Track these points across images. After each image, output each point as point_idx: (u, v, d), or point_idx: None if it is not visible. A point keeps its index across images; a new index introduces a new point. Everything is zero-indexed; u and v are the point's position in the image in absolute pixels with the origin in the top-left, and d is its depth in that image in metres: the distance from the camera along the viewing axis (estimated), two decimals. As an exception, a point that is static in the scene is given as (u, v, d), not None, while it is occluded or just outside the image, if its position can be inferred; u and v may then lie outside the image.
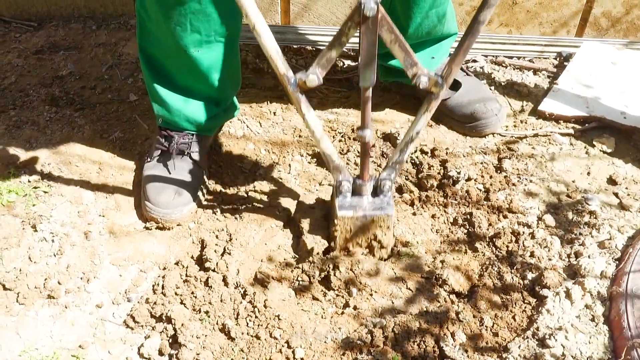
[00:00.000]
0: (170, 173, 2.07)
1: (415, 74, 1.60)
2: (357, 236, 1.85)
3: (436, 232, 1.96)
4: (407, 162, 2.16)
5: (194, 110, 2.07)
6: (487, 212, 1.97)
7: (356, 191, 1.81)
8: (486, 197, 2.01)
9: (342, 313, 1.78)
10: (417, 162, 2.13)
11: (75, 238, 1.97)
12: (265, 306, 1.77)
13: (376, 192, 1.81)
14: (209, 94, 2.07)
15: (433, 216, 1.99)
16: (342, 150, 2.19)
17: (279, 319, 1.74)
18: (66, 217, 2.03)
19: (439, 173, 2.09)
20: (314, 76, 1.60)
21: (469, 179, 2.04)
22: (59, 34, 2.78)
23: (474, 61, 2.61)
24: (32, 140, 2.28)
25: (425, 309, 1.75)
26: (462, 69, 2.35)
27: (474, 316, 1.72)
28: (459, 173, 2.05)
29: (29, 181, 2.15)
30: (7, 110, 2.39)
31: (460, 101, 2.27)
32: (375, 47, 1.52)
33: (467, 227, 1.95)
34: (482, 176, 2.06)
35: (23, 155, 2.22)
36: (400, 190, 2.08)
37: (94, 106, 2.41)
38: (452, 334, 1.67)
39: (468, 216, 1.96)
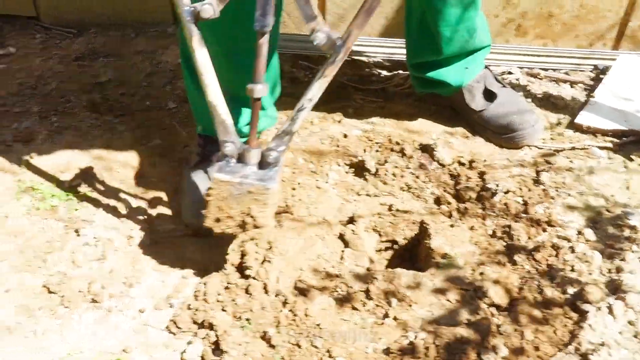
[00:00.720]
0: (210, 180, 2.09)
1: (313, 28, 1.54)
2: (230, 207, 1.70)
3: (475, 244, 1.97)
4: (443, 168, 2.16)
5: (234, 116, 2.09)
6: (526, 225, 1.97)
7: (241, 158, 1.70)
8: (525, 210, 2.01)
9: (382, 323, 1.79)
10: (455, 174, 2.14)
11: (117, 243, 2.00)
12: (306, 315, 1.79)
13: (262, 163, 1.71)
14: (248, 99, 2.08)
15: (471, 228, 2.00)
16: (380, 161, 2.20)
17: (320, 328, 1.76)
18: (108, 222, 2.06)
19: (477, 185, 2.10)
20: (209, 6, 1.56)
21: (507, 192, 2.05)
22: (98, 41, 2.82)
23: (510, 73, 2.62)
24: (73, 145, 2.31)
25: (466, 321, 1.76)
26: (498, 80, 2.36)
27: (515, 330, 1.73)
28: (497, 185, 2.06)
29: (71, 186, 2.18)
30: (49, 116, 2.43)
31: (497, 112, 2.28)
32: None
33: (506, 239, 1.96)
34: (520, 189, 2.07)
35: (65, 160, 2.26)
36: (438, 201, 2.09)
37: (133, 113, 2.45)
38: (494, 347, 1.68)
39: (507, 229, 1.97)
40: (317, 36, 1.54)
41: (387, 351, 1.72)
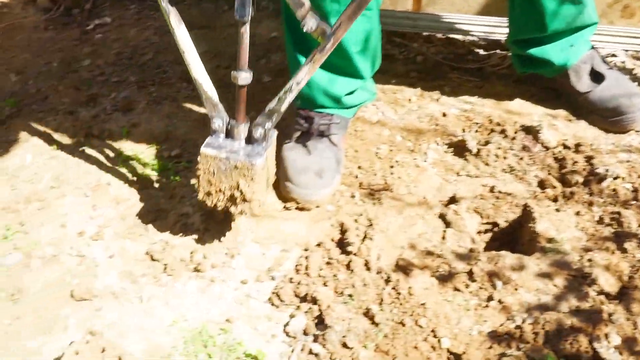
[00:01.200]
0: (310, 154, 2.08)
1: (303, 15, 1.56)
2: (220, 181, 1.75)
3: (581, 229, 1.91)
4: (547, 150, 2.10)
5: (333, 84, 2.08)
6: (637, 213, 1.91)
7: (229, 133, 1.75)
8: (635, 197, 1.95)
9: (487, 306, 1.76)
10: (560, 157, 2.08)
11: (217, 214, 2.00)
12: (409, 293, 1.77)
13: (249, 139, 1.75)
14: (348, 69, 2.06)
15: (577, 213, 1.95)
16: (480, 142, 2.16)
17: (425, 307, 1.74)
18: (208, 193, 2.07)
19: (584, 169, 2.04)
20: None
21: (616, 177, 1.99)
22: (191, 13, 2.83)
23: (614, 55, 2.54)
24: (171, 116, 2.33)
25: (575, 308, 1.72)
26: (604, 61, 2.28)
27: (627, 319, 1.68)
28: (607, 170, 2.00)
29: (170, 156, 2.20)
30: (147, 86, 2.45)
31: (603, 95, 2.21)
32: None
33: (615, 226, 1.90)
34: (630, 175, 2.01)
35: (164, 130, 2.28)
36: (542, 184, 2.04)
37: (228, 85, 2.42)
38: (606, 336, 1.63)
39: (616, 215, 1.91)
40: (307, 22, 1.56)
41: (493, 334, 1.69)
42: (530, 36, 2.21)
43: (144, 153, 2.19)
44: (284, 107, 1.74)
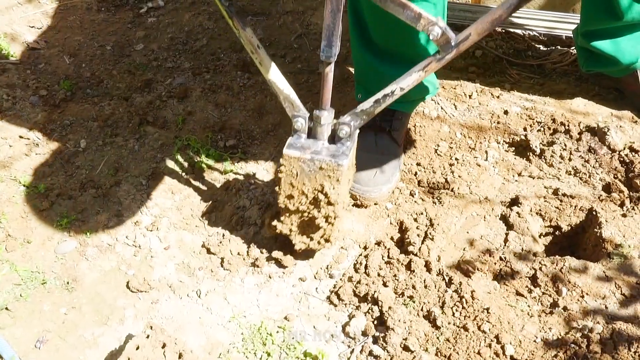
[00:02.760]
0: (369, 150, 2.04)
1: (425, 25, 1.47)
2: (302, 183, 1.66)
3: (649, 236, 1.86)
4: (613, 153, 2.04)
5: (397, 74, 2.02)
6: None
7: (311, 132, 1.65)
8: None
9: (551, 312, 1.72)
10: (627, 161, 2.02)
11: (275, 208, 1.97)
12: (472, 297, 1.73)
13: (334, 138, 1.65)
14: (412, 58, 2.01)
15: (645, 219, 1.89)
16: (543, 142, 2.10)
17: (488, 312, 1.70)
18: (265, 186, 2.04)
19: (652, 174, 1.98)
20: None
21: (686, 184, 1.93)
22: (246, -1, 2.79)
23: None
24: (227, 105, 2.30)
25: (645, 319, 1.67)
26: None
27: (701, 332, 1.63)
28: (677, 176, 1.94)
29: (226, 146, 2.17)
30: (201, 73, 2.42)
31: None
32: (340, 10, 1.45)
33: (685, 234, 1.84)
34: (701, 181, 1.95)
35: (219, 119, 2.25)
36: (608, 188, 1.99)
37: (284, 75, 2.39)
38: (680, 349, 1.59)
39: (686, 223, 1.86)
40: (433, 29, 1.48)
41: (558, 342, 1.65)
42: (601, 26, 2.12)
43: (199, 142, 2.16)
44: (378, 110, 1.65)
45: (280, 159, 1.66)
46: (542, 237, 1.97)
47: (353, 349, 1.69)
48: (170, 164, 2.12)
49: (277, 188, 1.69)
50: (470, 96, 2.28)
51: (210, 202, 2.01)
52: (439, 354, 1.66)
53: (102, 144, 2.18)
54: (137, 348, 1.56)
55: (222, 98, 2.32)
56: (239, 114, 2.27)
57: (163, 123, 2.24)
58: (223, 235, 1.92)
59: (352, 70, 2.33)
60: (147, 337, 1.58)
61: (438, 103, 2.25)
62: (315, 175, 1.64)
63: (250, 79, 2.39)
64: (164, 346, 1.57)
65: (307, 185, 1.66)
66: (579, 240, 1.96)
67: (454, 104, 2.25)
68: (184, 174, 2.09)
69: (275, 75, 1.67)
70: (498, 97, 2.28)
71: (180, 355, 1.57)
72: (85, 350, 1.70)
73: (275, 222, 1.76)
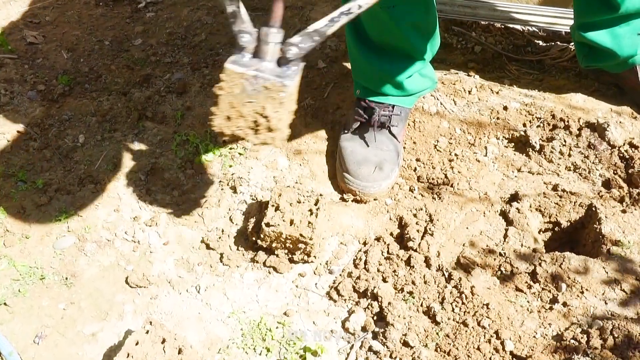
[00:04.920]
0: (369, 146, 2.04)
1: None
2: (243, 104, 1.50)
3: (649, 232, 1.86)
4: (613, 149, 2.04)
5: (392, 67, 2.02)
6: None
7: (258, 52, 1.50)
8: None
9: (551, 308, 1.72)
10: (627, 157, 2.02)
11: (274, 203, 1.97)
12: (472, 293, 1.73)
13: (279, 62, 1.50)
14: (406, 49, 2.00)
15: (644, 215, 1.89)
16: (543, 138, 2.10)
17: (488, 308, 1.70)
18: (263, 181, 2.04)
19: (652, 170, 1.98)
20: None
21: (686, 179, 1.93)
22: (244, -6, 2.77)
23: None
24: (226, 100, 2.29)
25: (645, 315, 1.67)
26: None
27: (701, 328, 1.63)
28: (677, 172, 1.94)
29: (225, 141, 2.16)
30: (200, 68, 2.41)
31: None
32: None
33: (685, 230, 1.84)
34: (701, 178, 1.94)
35: (218, 114, 2.24)
36: (607, 184, 1.98)
37: (283, 70, 2.40)
38: (679, 345, 1.59)
39: (686, 219, 1.86)
40: None
41: (558, 338, 1.65)
42: (598, 18, 2.09)
43: (198, 138, 2.15)
44: (332, 30, 1.51)
45: (220, 75, 1.50)
46: (541, 233, 1.96)
47: (353, 345, 1.69)
48: (169, 159, 2.11)
49: (213, 108, 1.53)
50: (469, 92, 2.28)
51: (210, 197, 2.01)
52: (438, 349, 1.66)
53: (101, 139, 2.18)
54: (137, 343, 1.56)
55: (221, 93, 2.31)
56: (238, 109, 2.26)
57: (162, 118, 2.23)
58: (222, 230, 1.92)
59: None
60: (147, 332, 1.58)
61: (437, 99, 2.25)
62: (258, 96, 1.48)
63: (249, 75, 2.38)
64: (163, 341, 1.57)
65: (247, 106, 1.50)
66: (578, 236, 1.95)
67: (454, 100, 2.25)
68: (183, 169, 2.08)
69: None
70: (497, 92, 2.27)
71: (179, 351, 1.56)
72: (84, 346, 1.69)
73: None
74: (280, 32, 1.51)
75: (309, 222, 1.80)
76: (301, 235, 1.78)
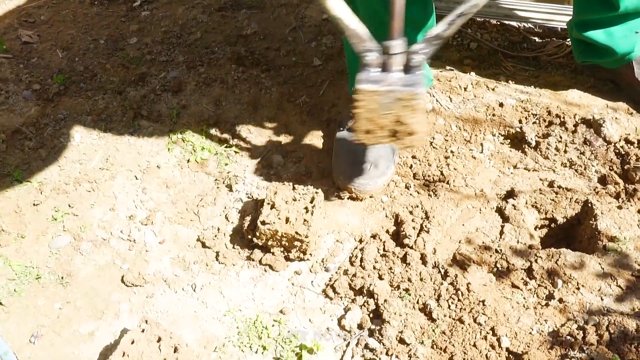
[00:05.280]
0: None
1: None
2: (380, 117, 1.61)
3: (644, 228, 1.86)
4: (608, 145, 2.04)
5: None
6: None
7: (384, 65, 1.60)
8: (701, 195, 1.89)
9: (547, 305, 1.72)
10: (623, 153, 2.02)
11: (269, 201, 1.97)
12: (468, 290, 1.73)
13: (407, 68, 1.60)
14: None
15: (640, 211, 1.89)
16: (539, 134, 2.10)
17: (484, 305, 1.70)
18: (259, 179, 2.04)
19: (648, 166, 1.98)
20: None
21: (682, 175, 1.93)
22: (240, -8, 2.78)
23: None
24: (221, 98, 2.29)
25: (640, 310, 1.67)
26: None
27: (697, 324, 1.63)
28: (672, 168, 1.93)
29: (220, 140, 2.16)
30: (195, 66, 2.40)
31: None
32: None
33: (681, 226, 1.84)
34: (697, 173, 1.94)
35: (214, 113, 2.24)
36: (603, 180, 1.98)
37: (279, 68, 2.40)
38: (675, 341, 1.59)
39: (682, 215, 1.85)
40: None
41: (554, 334, 1.65)
42: (597, 16, 2.09)
43: (194, 136, 2.15)
44: (450, 32, 1.59)
45: (355, 95, 1.61)
46: (537, 229, 1.96)
47: (349, 342, 1.69)
48: (165, 157, 2.11)
49: (354, 125, 1.67)
50: (465, 88, 2.28)
51: (205, 195, 2.01)
52: (434, 346, 1.66)
53: (97, 138, 2.18)
54: (132, 342, 1.55)
55: (216, 91, 2.31)
56: (234, 107, 2.26)
57: (157, 117, 2.23)
58: (218, 229, 1.92)
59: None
60: (143, 331, 1.58)
61: (433, 95, 2.24)
62: (393, 107, 1.59)
63: (244, 73, 2.38)
64: (159, 340, 1.57)
65: (385, 118, 1.61)
66: (574, 233, 1.95)
67: (449, 97, 2.25)
68: (178, 167, 2.08)
69: (341, 13, 1.58)
70: (493, 89, 2.27)
71: (175, 349, 1.56)
72: (80, 345, 1.69)
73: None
74: (402, 42, 1.58)
75: (305, 220, 1.80)
76: (297, 233, 1.78)
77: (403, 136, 1.63)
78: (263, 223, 1.79)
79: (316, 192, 1.88)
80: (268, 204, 1.83)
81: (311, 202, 1.84)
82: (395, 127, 1.62)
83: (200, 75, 2.37)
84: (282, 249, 1.83)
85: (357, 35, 1.59)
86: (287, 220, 1.80)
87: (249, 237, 1.85)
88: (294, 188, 1.89)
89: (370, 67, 1.60)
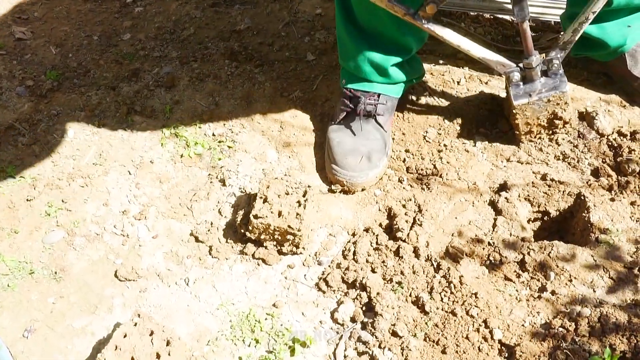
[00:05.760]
0: (355, 135, 2.04)
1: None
2: (537, 119, 1.99)
3: (637, 220, 1.86)
4: (601, 138, 2.05)
5: (379, 54, 2.02)
6: (696, 205, 1.85)
7: (527, 78, 1.94)
8: (694, 187, 1.89)
9: (539, 297, 1.72)
10: (615, 145, 2.02)
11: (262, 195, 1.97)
12: (461, 282, 1.73)
13: (547, 73, 1.94)
14: (393, 39, 2.00)
15: (632, 203, 1.89)
16: (532, 126, 2.10)
17: (476, 297, 1.70)
18: (253, 173, 2.04)
19: (640, 158, 1.98)
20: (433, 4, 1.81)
21: (674, 167, 1.93)
22: (234, -12, 2.77)
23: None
24: (214, 93, 2.29)
25: (632, 302, 1.67)
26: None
27: (688, 314, 1.63)
28: (664, 160, 1.94)
29: (214, 135, 2.16)
30: (189, 62, 2.40)
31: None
32: None
33: (673, 218, 1.84)
34: (689, 165, 1.94)
35: (207, 108, 2.24)
36: (596, 173, 1.98)
37: (272, 63, 2.40)
38: (666, 331, 1.59)
39: (674, 207, 1.86)
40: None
41: (546, 326, 1.65)
42: None
43: (187, 131, 2.15)
44: (577, 36, 1.90)
45: (513, 110, 1.97)
46: (530, 222, 1.96)
47: (342, 335, 1.69)
48: (158, 153, 2.11)
49: (516, 132, 2.04)
50: (458, 82, 2.28)
51: (199, 190, 2.01)
52: (427, 339, 1.66)
53: (90, 134, 2.18)
54: (125, 336, 1.56)
55: (210, 87, 2.31)
56: (227, 102, 2.26)
57: (151, 112, 2.23)
58: (211, 223, 1.92)
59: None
60: (135, 325, 1.58)
61: (426, 90, 2.25)
62: (547, 108, 1.96)
63: (238, 68, 2.38)
64: (151, 334, 1.57)
65: (541, 119, 1.99)
66: (567, 225, 1.96)
67: (442, 90, 2.25)
68: (171, 162, 2.09)
69: (480, 52, 1.95)
70: (487, 83, 2.27)
71: (168, 343, 1.57)
72: (73, 339, 1.70)
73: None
74: (538, 55, 1.91)
75: (297, 214, 1.80)
76: (289, 226, 1.78)
77: (561, 126, 2.01)
78: (256, 217, 1.79)
79: (309, 186, 1.88)
80: (261, 198, 1.83)
81: (304, 195, 1.85)
82: (552, 121, 1.99)
83: (193, 70, 2.37)
84: (275, 242, 1.83)
85: (501, 63, 1.95)
86: (279, 214, 1.80)
87: (242, 231, 1.85)
88: (286, 182, 1.89)
89: (517, 82, 1.94)
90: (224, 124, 2.19)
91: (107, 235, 1.91)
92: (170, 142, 2.13)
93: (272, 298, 1.77)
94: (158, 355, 1.54)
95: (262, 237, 1.82)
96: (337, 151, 2.01)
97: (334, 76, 2.33)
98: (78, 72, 2.39)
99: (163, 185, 2.03)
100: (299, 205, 1.83)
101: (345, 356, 1.66)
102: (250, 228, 1.81)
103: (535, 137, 2.05)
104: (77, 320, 1.73)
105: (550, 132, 2.04)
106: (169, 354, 1.55)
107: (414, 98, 2.21)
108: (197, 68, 2.38)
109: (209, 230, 1.90)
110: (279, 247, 1.84)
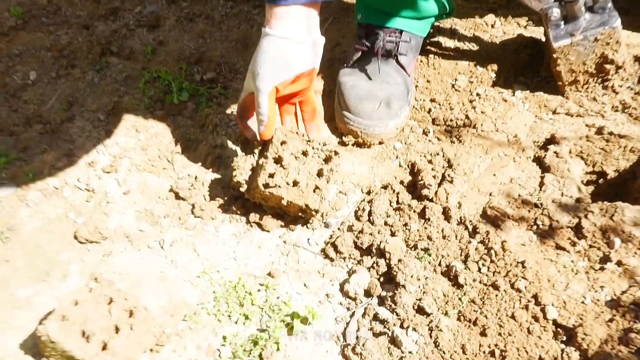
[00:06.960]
0: (372, 79, 1.69)
1: None
2: (583, 64, 1.65)
3: None
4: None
5: None
6: None
7: (568, 15, 1.63)
8: None
9: (602, 268, 1.37)
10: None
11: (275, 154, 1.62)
12: (503, 249, 1.38)
13: (592, 8, 1.63)
14: None
15: None
16: (582, 74, 1.75)
17: (523, 267, 1.35)
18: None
19: None
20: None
21: None
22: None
23: None
24: (205, 35, 1.95)
25: None
26: None
27: None
28: None
29: (203, 79, 1.82)
30: (177, 1, 2.06)
31: None
32: None
33: None
34: None
35: (196, 50, 1.90)
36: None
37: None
38: None
39: None
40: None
41: (613, 304, 1.30)
42: None
43: (171, 75, 1.81)
44: None
45: (553, 54, 1.64)
46: (583, 185, 1.61)
47: (354, 312, 1.34)
48: (136, 98, 1.77)
49: (559, 84, 1.70)
50: (492, 25, 1.93)
51: (182, 140, 1.66)
52: (462, 317, 1.32)
53: (56, 77, 1.83)
54: (76, 303, 1.21)
55: (200, 27, 1.96)
56: (220, 44, 1.92)
57: (129, 54, 1.88)
58: (195, 177, 1.57)
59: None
60: (90, 291, 1.23)
61: (454, 33, 1.90)
62: (594, 49, 1.63)
63: (233, 8, 2.03)
64: (110, 302, 1.22)
65: (588, 62, 1.65)
66: (628, 189, 1.60)
67: (474, 34, 1.90)
68: (151, 110, 1.74)
69: None
70: (525, 27, 1.93)
71: (131, 314, 1.22)
72: (14, 312, 1.35)
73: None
74: None
75: (317, 187, 1.42)
76: (307, 205, 1.42)
77: (613, 72, 1.66)
78: (266, 186, 1.41)
79: (335, 151, 1.47)
80: (274, 158, 1.45)
81: (326, 161, 1.47)
82: (600, 65, 1.65)
83: (182, 10, 2.03)
84: (280, 213, 1.48)
85: None
86: (295, 183, 1.42)
87: (237, 188, 1.49)
88: (307, 140, 1.48)
89: (557, 22, 1.63)
90: (216, 68, 1.85)
91: (68, 189, 1.56)
92: (151, 87, 1.79)
93: (267, 266, 1.42)
94: (117, 329, 1.19)
95: (266, 204, 1.46)
96: (350, 96, 1.66)
97: (346, 18, 1.98)
98: (47, 10, 2.04)
99: (140, 134, 1.68)
100: (320, 176, 1.45)
101: (357, 337, 1.31)
102: (253, 194, 1.45)
103: (582, 88, 1.70)
104: (22, 289, 1.38)
105: (600, 80, 1.69)
106: (131, 328, 1.20)
107: (440, 40, 1.86)
108: (186, 7, 2.04)
109: (192, 186, 1.55)
110: (282, 220, 1.48)
